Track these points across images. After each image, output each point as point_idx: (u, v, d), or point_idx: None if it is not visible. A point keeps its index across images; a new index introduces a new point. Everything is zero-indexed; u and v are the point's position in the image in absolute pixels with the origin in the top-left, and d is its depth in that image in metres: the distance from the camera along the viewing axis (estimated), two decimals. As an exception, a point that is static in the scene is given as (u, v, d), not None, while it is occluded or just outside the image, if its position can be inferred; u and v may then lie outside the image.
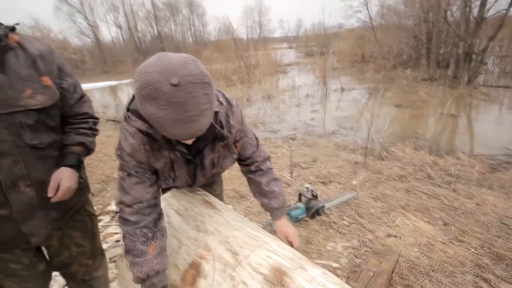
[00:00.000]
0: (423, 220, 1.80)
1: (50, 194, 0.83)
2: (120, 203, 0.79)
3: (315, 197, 1.86)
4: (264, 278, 0.69)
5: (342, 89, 11.87)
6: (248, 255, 0.77)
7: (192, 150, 0.82)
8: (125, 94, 16.96)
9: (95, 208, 2.43)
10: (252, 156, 0.98)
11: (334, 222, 1.83)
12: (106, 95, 16.65)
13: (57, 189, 0.85)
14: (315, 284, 0.67)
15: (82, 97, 0.98)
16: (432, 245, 1.57)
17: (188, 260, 0.82)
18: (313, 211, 1.83)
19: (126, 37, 34.60)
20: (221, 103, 0.81)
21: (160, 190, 0.92)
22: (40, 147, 0.82)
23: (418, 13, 12.41)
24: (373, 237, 1.65)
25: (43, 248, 0.97)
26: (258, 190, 1.02)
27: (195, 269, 0.79)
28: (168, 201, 1.10)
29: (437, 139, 5.94)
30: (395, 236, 1.64)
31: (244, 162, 1.01)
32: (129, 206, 0.77)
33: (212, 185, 1.27)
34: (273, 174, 1.02)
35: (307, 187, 1.94)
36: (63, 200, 0.87)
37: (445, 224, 1.78)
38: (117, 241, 1.91)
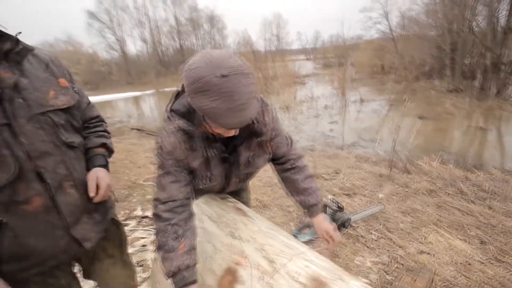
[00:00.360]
0: (458, 238, 1.70)
1: (92, 193, 0.84)
2: (155, 199, 0.82)
3: (340, 209, 1.82)
4: (304, 287, 0.68)
5: (362, 100, 11.70)
6: (285, 264, 0.76)
7: (229, 148, 0.85)
8: (147, 104, 17.65)
9: (122, 213, 2.51)
10: (286, 154, 1.00)
11: (362, 236, 1.78)
12: (129, 105, 17.38)
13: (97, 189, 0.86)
14: (358, 296, 0.65)
15: (89, 102, 0.99)
16: (469, 264, 1.48)
17: (224, 266, 0.83)
18: (339, 224, 1.79)
19: (150, 51, 36.36)
20: None
21: (193, 194, 0.93)
22: (75, 146, 0.83)
23: (441, 23, 12.13)
24: (404, 253, 1.58)
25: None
26: (294, 188, 1.02)
27: (231, 275, 0.80)
28: (201, 207, 1.12)
29: (465, 152, 5.66)
30: (428, 253, 1.56)
31: (278, 161, 1.02)
32: (163, 203, 0.80)
33: (240, 193, 1.29)
34: (308, 171, 1.02)
35: (332, 199, 1.91)
36: (104, 199, 0.89)
37: (482, 242, 1.67)
38: (144, 245, 1.96)
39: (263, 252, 0.82)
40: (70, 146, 0.81)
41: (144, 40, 36.10)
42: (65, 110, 0.80)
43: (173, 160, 0.79)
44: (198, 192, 1.15)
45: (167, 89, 23.08)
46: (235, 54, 0.63)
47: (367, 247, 1.67)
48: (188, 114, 0.76)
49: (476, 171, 3.53)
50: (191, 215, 0.85)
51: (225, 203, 1.13)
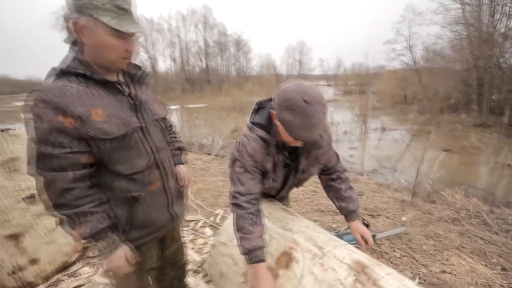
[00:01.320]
0: (480, 263, 1.78)
1: (186, 183, 1.12)
2: (235, 192, 1.02)
3: (366, 225, 1.96)
4: (349, 267, 0.88)
5: (383, 129, 11.71)
6: (332, 250, 0.96)
7: (292, 156, 1.08)
8: (171, 118, 18.49)
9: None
10: (335, 166, 1.23)
11: (386, 252, 1.90)
12: (155, 118, 18.18)
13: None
14: (394, 276, 0.84)
15: None
16: (490, 286, 1.56)
17: (280, 250, 1.04)
18: (365, 239, 1.93)
19: (178, 69, 38.63)
20: None
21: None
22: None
23: (467, 58, 12.17)
24: (427, 271, 1.69)
25: None
26: (337, 196, 1.22)
27: (287, 256, 1.00)
28: (253, 206, 1.35)
29: (491, 189, 5.54)
30: (450, 273, 1.66)
31: (327, 172, 1.24)
32: (243, 195, 1.01)
33: (283, 200, 1.51)
34: (349, 183, 1.24)
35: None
36: (187, 189, 1.17)
37: (503, 269, 1.74)
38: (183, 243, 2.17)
39: (312, 241, 1.03)
40: (169, 145, 1.08)
41: (173, 59, 38.55)
42: (163, 119, 1.06)
43: (252, 161, 1.02)
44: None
45: (191, 105, 24.11)
46: (318, 87, 0.87)
47: (391, 263, 1.80)
48: (266, 127, 1.01)
49: (501, 207, 3.51)
50: (260, 209, 1.06)
51: (273, 204, 1.35)
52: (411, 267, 1.75)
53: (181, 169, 1.15)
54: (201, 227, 2.42)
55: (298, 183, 1.25)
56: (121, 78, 0.92)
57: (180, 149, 1.23)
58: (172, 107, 23.11)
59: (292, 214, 1.25)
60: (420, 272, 1.68)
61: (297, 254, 0.99)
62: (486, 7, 11.28)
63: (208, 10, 43.38)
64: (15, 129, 1.86)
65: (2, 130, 1.80)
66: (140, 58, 35.20)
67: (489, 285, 1.57)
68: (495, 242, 2.06)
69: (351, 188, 1.23)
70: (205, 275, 1.76)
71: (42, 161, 0.76)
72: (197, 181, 3.86)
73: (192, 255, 1.98)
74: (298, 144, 0.97)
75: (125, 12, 0.79)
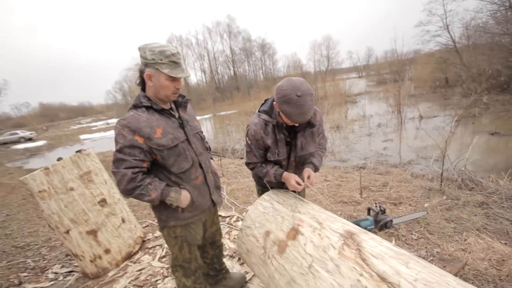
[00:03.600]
0: (500, 242, 1.82)
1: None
2: (246, 163, 1.54)
3: (383, 211, 2.11)
4: (340, 235, 1.12)
5: (421, 117, 11.09)
6: (329, 224, 1.21)
7: (291, 134, 1.40)
8: (204, 127, 19.52)
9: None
10: (320, 142, 1.55)
11: (403, 235, 2.03)
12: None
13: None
14: (376, 240, 1.06)
15: None
16: (503, 260, 1.62)
17: (290, 226, 1.31)
18: (381, 224, 2.07)
19: (208, 79, 40.47)
20: None
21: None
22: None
23: (515, 30, 10.95)
24: (440, 250, 1.80)
25: None
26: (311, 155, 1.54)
27: (294, 230, 1.27)
28: (271, 196, 1.63)
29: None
30: (464, 251, 1.75)
31: None
32: (250, 163, 1.51)
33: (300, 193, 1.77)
34: (324, 153, 1.58)
35: (376, 203, 2.21)
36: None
37: (526, 247, 1.77)
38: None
39: (315, 219, 1.28)
40: (208, 150, 1.47)
41: (203, 71, 40.51)
42: (201, 132, 1.44)
43: (254, 140, 1.38)
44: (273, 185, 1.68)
45: (222, 113, 25.08)
46: (305, 81, 1.17)
47: (407, 244, 1.92)
48: (269, 112, 1.35)
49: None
50: (264, 163, 1.50)
51: (288, 193, 1.62)
52: (426, 247, 1.86)
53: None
54: (235, 221, 2.77)
55: (300, 161, 1.52)
56: (172, 105, 1.32)
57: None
58: (205, 116, 24.35)
59: (301, 200, 1.51)
60: (434, 251, 1.79)
61: (302, 229, 1.25)
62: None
63: (232, 19, 44.88)
64: (85, 150, 2.41)
65: (78, 151, 2.35)
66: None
67: (503, 260, 1.62)
68: (522, 223, 2.05)
69: (321, 158, 1.55)
70: (239, 259, 2.09)
71: (118, 164, 1.13)
72: (231, 182, 4.24)
73: (228, 244, 2.32)
74: (296, 124, 1.29)
75: (176, 64, 1.16)
